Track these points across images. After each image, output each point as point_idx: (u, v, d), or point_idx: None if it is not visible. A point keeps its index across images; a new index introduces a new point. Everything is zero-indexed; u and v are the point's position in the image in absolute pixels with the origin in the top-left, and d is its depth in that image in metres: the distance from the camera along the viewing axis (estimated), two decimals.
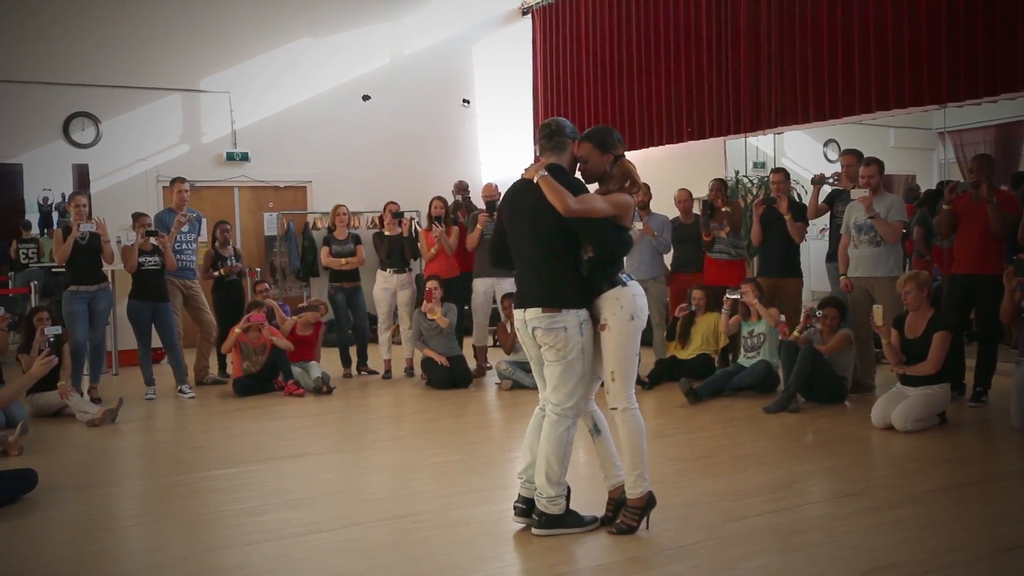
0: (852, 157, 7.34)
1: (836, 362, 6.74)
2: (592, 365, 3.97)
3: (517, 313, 4.02)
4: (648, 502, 3.98)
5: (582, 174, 4.04)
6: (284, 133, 11.70)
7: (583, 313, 3.89)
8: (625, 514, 3.98)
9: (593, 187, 4.05)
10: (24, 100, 10.38)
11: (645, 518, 3.98)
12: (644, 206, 8.02)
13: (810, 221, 7.79)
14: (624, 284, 3.91)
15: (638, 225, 7.60)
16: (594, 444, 4.11)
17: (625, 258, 7.79)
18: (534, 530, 3.98)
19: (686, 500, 4.45)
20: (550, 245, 3.90)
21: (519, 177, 4.04)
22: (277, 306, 8.59)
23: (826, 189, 7.68)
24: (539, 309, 3.88)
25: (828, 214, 7.63)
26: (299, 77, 11.78)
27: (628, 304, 3.87)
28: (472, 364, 8.41)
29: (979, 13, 7.31)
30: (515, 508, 4.11)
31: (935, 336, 5.87)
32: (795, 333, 6.77)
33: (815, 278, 9.48)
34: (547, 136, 4.01)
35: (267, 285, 8.87)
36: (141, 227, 7.83)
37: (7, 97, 10.29)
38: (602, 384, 4.02)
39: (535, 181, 3.86)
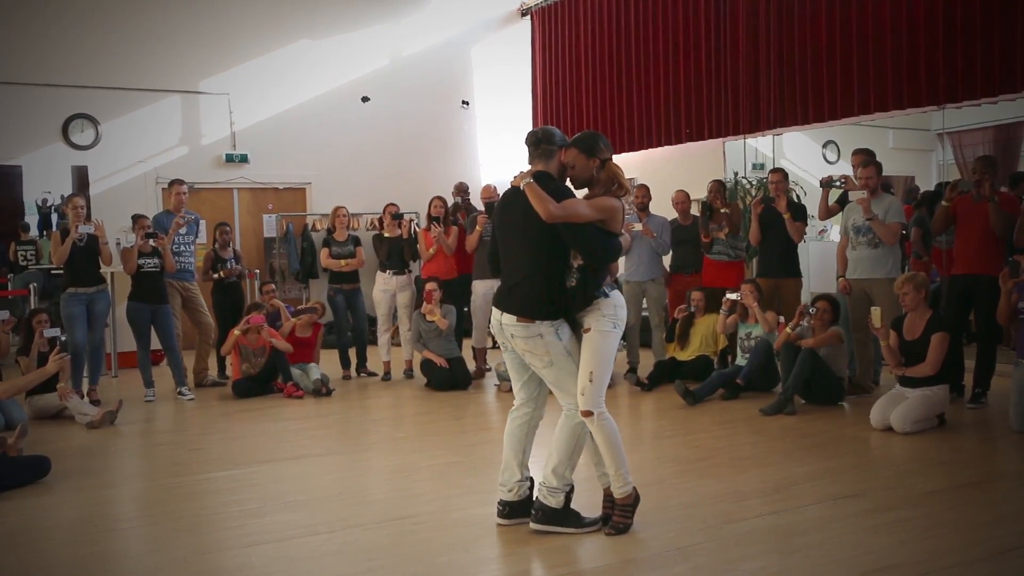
0: (862, 156, 7.33)
1: (833, 362, 6.74)
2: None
3: (495, 312, 4.04)
4: (635, 499, 4.03)
5: (570, 180, 4.06)
6: (283, 135, 11.71)
7: (558, 322, 3.92)
8: (617, 515, 4.00)
9: (582, 193, 4.06)
10: (23, 102, 10.39)
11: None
12: (643, 208, 8.03)
13: (809, 222, 7.79)
14: (606, 295, 3.94)
15: (637, 226, 7.61)
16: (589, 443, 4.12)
17: (624, 259, 7.81)
18: (531, 524, 4.00)
19: (685, 502, 4.46)
20: (538, 254, 3.94)
21: (509, 185, 4.07)
22: (283, 307, 8.59)
23: (837, 191, 7.67)
24: (514, 317, 3.93)
25: (841, 215, 7.62)
26: (298, 79, 11.79)
27: (610, 314, 3.92)
28: (471, 366, 8.42)
29: (977, 14, 7.32)
30: (497, 510, 4.18)
31: (933, 337, 5.88)
32: (787, 330, 6.76)
33: (814, 278, 9.49)
34: (533, 144, 4.05)
35: (273, 286, 8.88)
36: (141, 229, 7.84)
37: (6, 99, 10.30)
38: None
39: (521, 188, 3.89)
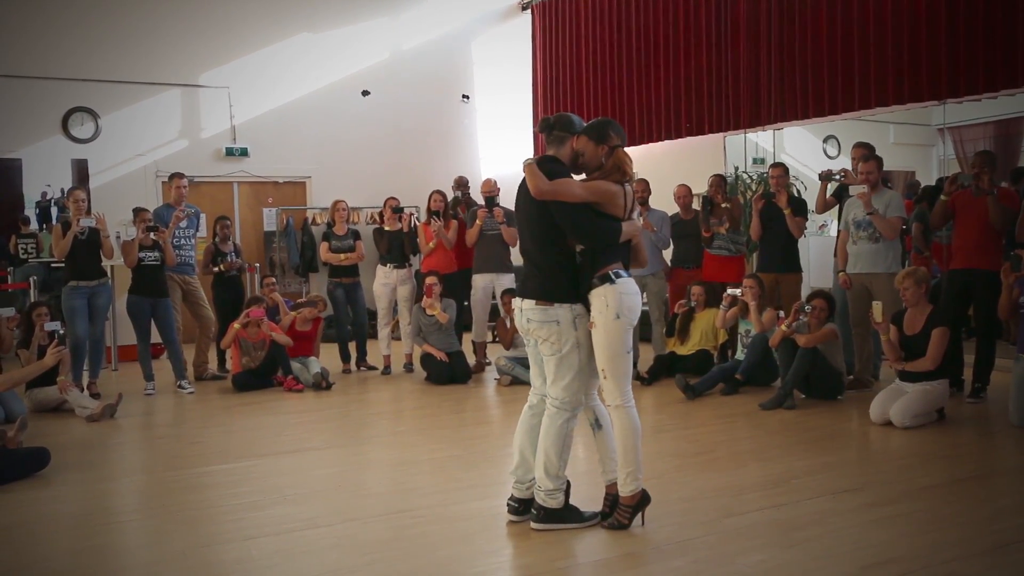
0: (862, 151, 7.33)
1: (832, 356, 6.74)
2: (591, 360, 3.97)
3: (516, 301, 4.04)
4: (640, 500, 3.96)
5: (580, 167, 4.04)
6: (283, 128, 11.69)
7: (577, 307, 3.89)
8: (618, 512, 3.97)
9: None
10: (23, 95, 10.37)
11: (640, 515, 3.97)
12: (643, 202, 8.02)
13: (809, 216, 7.78)
14: (612, 281, 3.86)
15: (638, 221, 7.59)
16: (594, 438, 4.11)
17: None
18: (532, 524, 3.99)
19: (685, 496, 4.45)
20: (543, 236, 3.93)
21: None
22: (283, 301, 8.60)
23: (834, 184, 7.68)
24: (533, 301, 3.91)
25: (836, 208, 7.62)
26: (298, 72, 11.77)
27: (613, 302, 3.83)
28: (471, 360, 8.42)
29: (979, 9, 7.31)
30: (508, 506, 4.15)
31: (933, 332, 5.88)
32: (782, 328, 6.74)
33: (814, 273, 9.49)
34: (545, 130, 4.05)
35: (274, 280, 8.88)
36: (141, 222, 7.83)
37: (6, 92, 10.27)
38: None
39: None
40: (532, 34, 13.14)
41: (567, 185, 3.84)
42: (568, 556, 3.75)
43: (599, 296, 3.85)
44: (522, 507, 4.09)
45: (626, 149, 4.06)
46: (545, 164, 3.90)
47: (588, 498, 4.17)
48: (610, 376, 3.87)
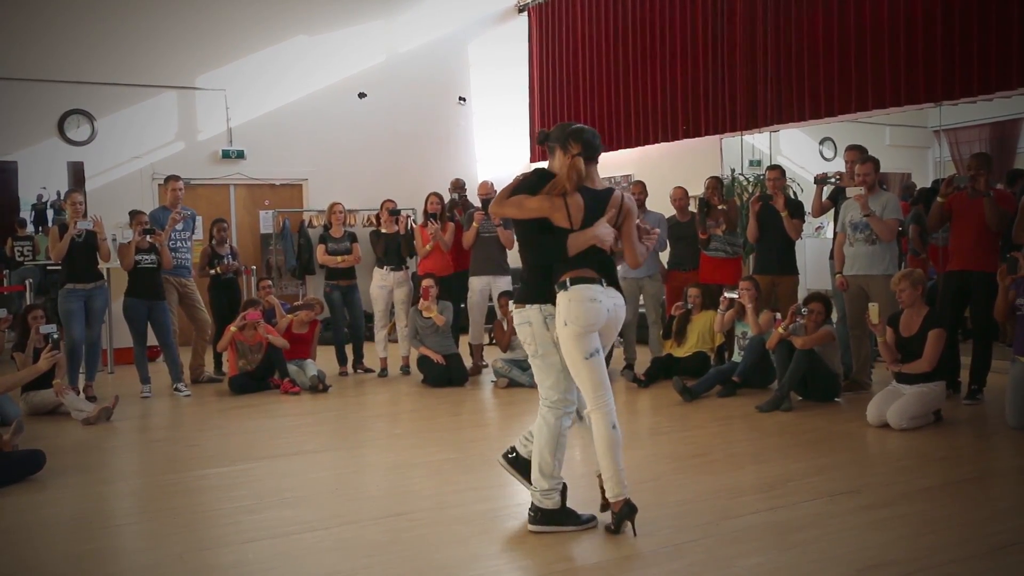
0: (855, 153, 7.34)
1: (828, 358, 6.75)
2: None
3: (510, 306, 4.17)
4: (622, 509, 3.85)
5: None
6: (280, 131, 11.69)
7: (547, 308, 3.90)
8: (612, 517, 3.96)
9: None
10: (19, 98, 10.36)
11: (628, 523, 3.87)
12: (640, 204, 8.02)
13: (806, 219, 7.79)
14: (565, 288, 3.81)
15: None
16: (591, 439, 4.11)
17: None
18: (529, 526, 3.99)
19: (681, 498, 4.45)
20: (523, 247, 4.07)
21: None
22: (279, 304, 8.60)
23: (830, 187, 7.69)
24: (515, 305, 4.05)
25: (832, 211, 7.63)
26: (295, 75, 11.77)
27: (563, 310, 3.80)
28: (468, 362, 8.41)
29: (974, 11, 7.34)
30: (505, 453, 4.22)
31: (930, 334, 5.88)
32: (779, 330, 6.73)
33: (811, 276, 9.50)
34: (541, 142, 4.10)
35: (270, 283, 8.87)
36: (138, 225, 7.82)
37: (2, 95, 10.27)
38: None
39: None
40: (529, 36, 13.15)
41: (516, 203, 3.91)
42: (565, 559, 3.75)
43: (557, 303, 3.87)
44: (517, 459, 4.14)
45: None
46: (526, 179, 3.99)
47: (586, 501, 4.17)
48: (576, 382, 3.90)
